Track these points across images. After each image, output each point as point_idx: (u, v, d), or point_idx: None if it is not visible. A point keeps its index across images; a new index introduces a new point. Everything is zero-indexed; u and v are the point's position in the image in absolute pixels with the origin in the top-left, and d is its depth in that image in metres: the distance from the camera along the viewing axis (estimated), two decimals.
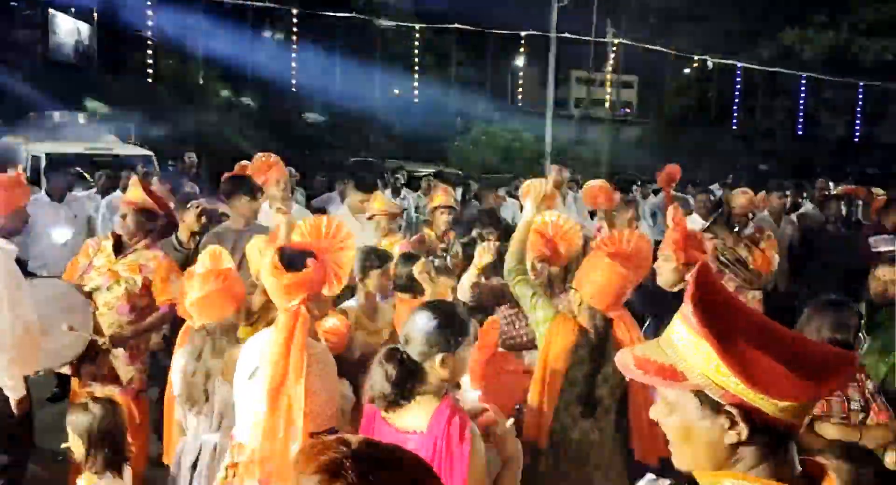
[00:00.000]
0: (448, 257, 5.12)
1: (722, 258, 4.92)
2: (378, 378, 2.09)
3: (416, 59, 19.50)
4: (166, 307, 3.83)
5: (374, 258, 3.64)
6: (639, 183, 12.25)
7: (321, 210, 8.68)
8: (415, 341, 2.10)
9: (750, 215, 6.10)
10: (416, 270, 3.43)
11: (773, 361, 1.09)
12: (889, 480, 2.22)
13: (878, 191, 8.23)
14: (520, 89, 23.61)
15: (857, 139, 23.38)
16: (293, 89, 19.11)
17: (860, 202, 7.90)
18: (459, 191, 9.86)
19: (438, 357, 2.07)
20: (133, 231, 4.03)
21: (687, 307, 1.15)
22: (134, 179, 4.54)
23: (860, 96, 21.71)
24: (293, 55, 18.37)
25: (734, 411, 1.12)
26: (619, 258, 2.87)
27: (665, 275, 3.58)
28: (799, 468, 1.16)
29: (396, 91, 23.81)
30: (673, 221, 3.63)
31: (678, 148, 24.73)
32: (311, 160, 17.12)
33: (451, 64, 20.51)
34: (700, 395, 1.15)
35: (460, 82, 23.80)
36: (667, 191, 6.60)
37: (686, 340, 1.15)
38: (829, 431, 2.68)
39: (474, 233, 5.33)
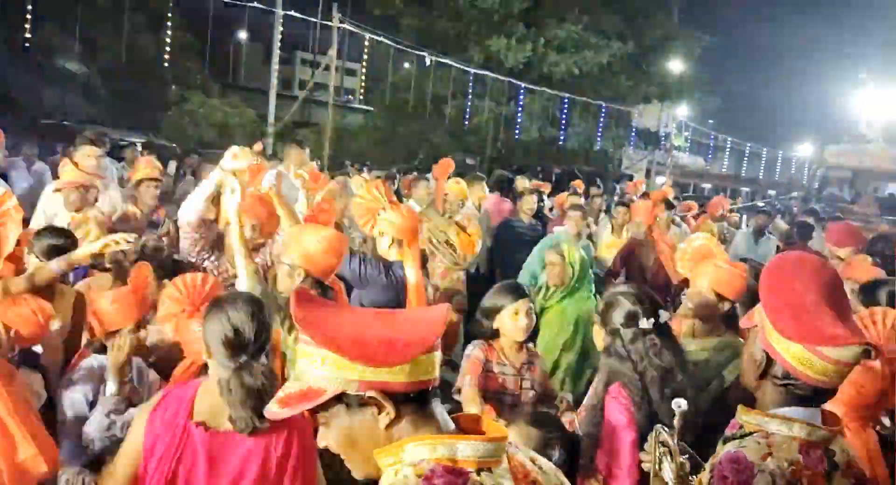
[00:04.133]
0: (158, 236, 4.80)
1: (433, 240, 5.31)
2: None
3: (126, 17, 17.74)
4: None
5: (51, 237, 3.35)
6: (354, 166, 12.73)
7: (2, 176, 7.58)
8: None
9: (460, 203, 6.67)
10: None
11: (380, 336, 1.23)
12: (572, 440, 2.48)
13: (597, 192, 9.45)
14: (242, 64, 22.73)
15: (547, 142, 26.58)
16: None
17: (545, 197, 9.02)
18: (173, 164, 9.26)
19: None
20: None
21: (300, 329, 1.25)
22: None
23: (551, 104, 24.68)
24: None
25: (375, 394, 1.22)
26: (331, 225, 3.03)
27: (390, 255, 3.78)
28: (451, 425, 1.29)
29: (103, 50, 21.43)
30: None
31: (397, 138, 25.87)
32: None
33: (165, 27, 18.99)
34: (343, 399, 1.24)
35: (177, 48, 22.20)
36: (440, 183, 6.83)
37: (311, 358, 1.24)
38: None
39: None
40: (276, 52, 19.48)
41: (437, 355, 1.28)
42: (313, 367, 1.23)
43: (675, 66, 28.33)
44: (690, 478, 1.80)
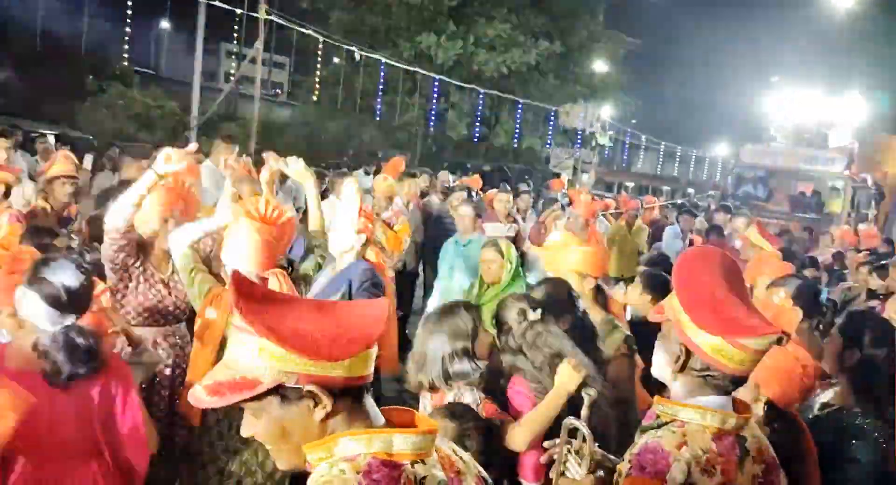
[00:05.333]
0: (70, 234, 4.59)
1: None
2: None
3: (41, 2, 16.89)
4: None
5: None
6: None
7: None
8: None
9: (388, 200, 6.65)
10: None
11: (323, 330, 1.21)
12: (487, 428, 2.55)
13: (525, 189, 9.56)
14: (164, 54, 22.00)
15: (476, 139, 26.79)
16: None
17: (475, 193, 9.10)
18: (90, 158, 8.89)
19: None
20: None
21: (237, 317, 1.21)
22: None
23: (480, 102, 24.89)
24: None
25: (314, 388, 1.20)
26: (267, 224, 2.99)
27: (340, 243, 3.76)
28: (382, 420, 1.29)
29: (16, 37, 20.33)
30: (349, 199, 3.86)
31: (326, 133, 25.58)
32: None
33: (83, 14, 18.20)
34: (279, 391, 1.21)
35: (94, 37, 21.31)
36: (386, 178, 6.81)
37: (248, 346, 1.20)
38: None
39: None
40: (200, 43, 18.90)
41: (374, 351, 1.27)
42: (250, 356, 1.20)
43: (600, 66, 29.05)
44: (598, 470, 1.86)
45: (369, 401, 1.30)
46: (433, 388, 2.62)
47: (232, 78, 24.14)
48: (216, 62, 37.47)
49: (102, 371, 2.25)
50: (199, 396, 1.22)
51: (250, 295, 1.24)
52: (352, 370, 1.23)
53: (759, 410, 2.21)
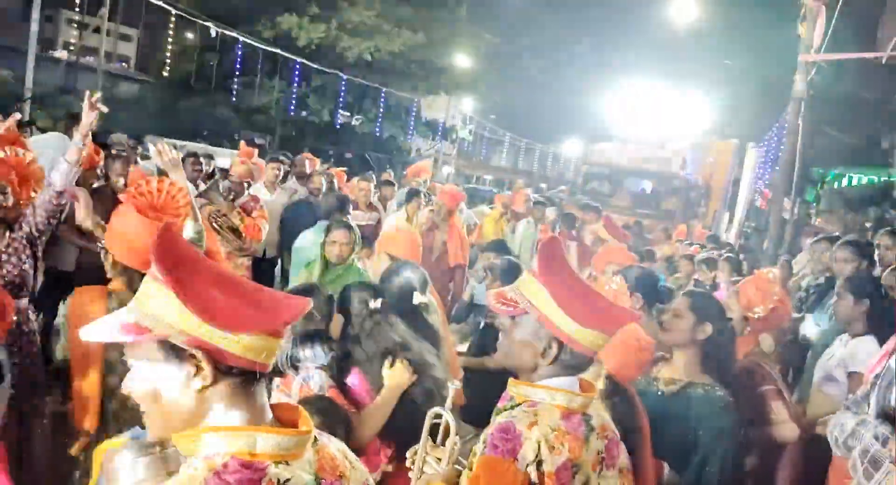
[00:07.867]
0: None
1: (215, 225, 5.08)
2: None
3: None
4: None
5: None
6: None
7: None
8: None
9: (246, 184, 6.41)
10: None
11: (232, 299, 1.17)
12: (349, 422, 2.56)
13: (387, 177, 9.44)
14: None
15: (338, 126, 26.45)
16: None
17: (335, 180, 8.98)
18: None
19: None
20: None
21: (152, 263, 1.18)
22: None
23: (343, 88, 24.56)
24: None
25: (198, 354, 1.15)
26: (152, 211, 2.71)
27: (188, 231, 3.59)
28: (270, 414, 1.24)
29: None
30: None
31: (178, 111, 24.24)
32: None
33: None
34: (164, 346, 1.17)
35: None
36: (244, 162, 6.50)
37: (153, 295, 1.17)
38: None
39: None
40: (38, 8, 17.26)
41: (279, 344, 1.23)
42: (153, 302, 1.16)
43: (462, 60, 29.57)
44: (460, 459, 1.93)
45: (261, 392, 1.24)
46: (280, 372, 2.59)
47: (72, 48, 22.24)
48: (55, 30, 34.43)
49: None
50: (91, 327, 1.21)
51: (171, 247, 1.19)
52: (248, 351, 1.17)
53: (599, 385, 2.37)
